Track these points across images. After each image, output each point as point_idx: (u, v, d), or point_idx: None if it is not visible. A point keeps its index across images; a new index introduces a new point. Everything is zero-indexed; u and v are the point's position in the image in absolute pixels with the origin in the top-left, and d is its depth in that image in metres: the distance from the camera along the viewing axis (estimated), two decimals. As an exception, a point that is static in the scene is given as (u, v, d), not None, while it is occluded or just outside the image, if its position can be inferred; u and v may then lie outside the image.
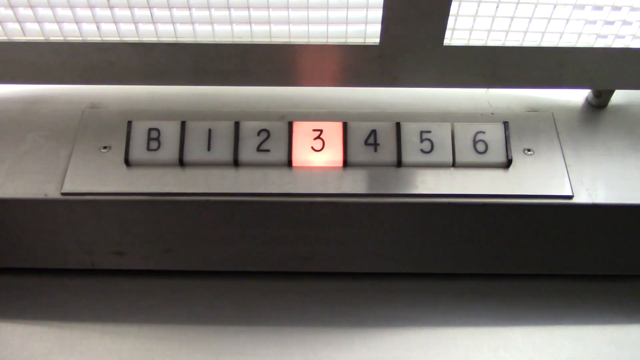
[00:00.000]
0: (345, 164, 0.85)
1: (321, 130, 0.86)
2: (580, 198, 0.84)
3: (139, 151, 0.85)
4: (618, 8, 0.76)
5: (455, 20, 0.77)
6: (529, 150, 0.87)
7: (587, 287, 0.96)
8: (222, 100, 0.91)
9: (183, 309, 0.94)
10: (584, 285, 0.96)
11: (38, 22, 0.78)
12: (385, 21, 0.76)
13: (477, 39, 0.80)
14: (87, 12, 0.77)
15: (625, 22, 0.77)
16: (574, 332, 0.92)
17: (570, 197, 0.84)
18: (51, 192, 0.85)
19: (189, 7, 0.76)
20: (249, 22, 0.78)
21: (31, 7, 0.77)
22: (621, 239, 0.90)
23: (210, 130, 0.86)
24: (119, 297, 0.96)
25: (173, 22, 0.78)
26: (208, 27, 0.79)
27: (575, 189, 0.84)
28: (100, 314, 0.94)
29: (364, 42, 0.79)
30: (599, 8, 0.76)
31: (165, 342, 0.91)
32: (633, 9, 0.76)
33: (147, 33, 0.79)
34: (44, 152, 0.88)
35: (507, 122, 0.86)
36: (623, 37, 0.79)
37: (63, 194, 0.84)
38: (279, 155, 0.85)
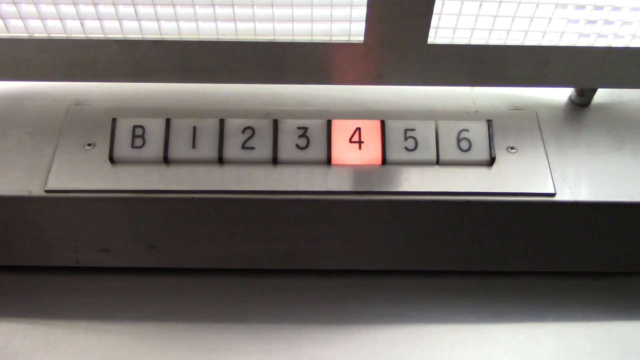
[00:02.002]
0: (329, 161, 0.85)
1: (306, 128, 0.86)
2: (563, 196, 0.84)
3: (123, 148, 0.85)
4: (600, 7, 0.77)
5: (439, 18, 0.78)
6: (512, 148, 0.87)
7: (570, 284, 0.97)
8: (207, 97, 0.92)
9: (168, 306, 0.94)
10: (566, 283, 0.97)
11: (22, 18, 0.78)
12: (369, 19, 0.76)
13: (461, 38, 0.80)
14: (71, 9, 0.77)
15: (607, 22, 0.78)
16: (557, 328, 0.92)
17: (552, 195, 0.84)
18: (35, 189, 0.84)
19: (174, 5, 0.76)
20: (234, 19, 0.78)
21: (14, 3, 0.76)
22: (603, 236, 0.91)
23: (195, 128, 0.86)
24: (103, 294, 0.95)
25: (157, 20, 0.78)
26: (193, 25, 0.79)
27: (557, 186, 0.85)
28: (85, 311, 0.94)
29: (349, 40, 0.80)
30: (581, 7, 0.77)
31: (150, 339, 0.91)
32: (615, 8, 0.77)
33: (132, 30, 0.79)
34: (28, 149, 0.87)
35: (490, 120, 0.87)
36: (605, 36, 0.80)
37: (47, 191, 0.84)
38: (263, 152, 0.85)
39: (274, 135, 0.86)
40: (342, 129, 0.86)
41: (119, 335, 0.91)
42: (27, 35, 0.79)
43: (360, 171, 0.86)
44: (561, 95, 0.94)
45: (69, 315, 0.93)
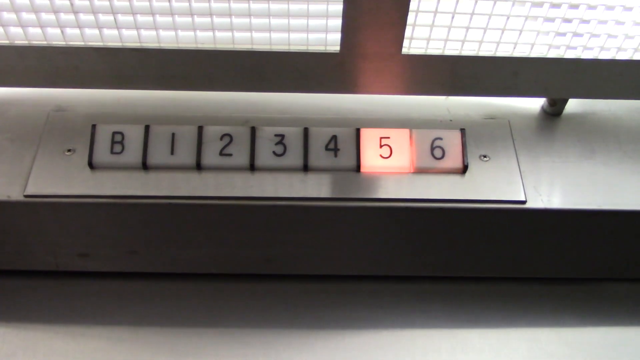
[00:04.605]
0: (306, 168, 0.87)
1: (283, 136, 0.87)
2: (533, 203, 0.86)
3: (102, 154, 0.86)
4: (569, 20, 0.79)
5: (413, 29, 0.79)
6: (485, 156, 0.89)
7: (542, 290, 0.99)
8: (186, 104, 0.93)
9: (146, 311, 0.95)
10: (538, 288, 0.99)
11: (2, 25, 0.79)
12: (345, 30, 0.78)
13: (435, 48, 0.82)
14: (51, 17, 0.78)
15: (575, 34, 0.80)
16: (529, 333, 0.94)
17: (523, 202, 0.86)
18: (14, 194, 0.85)
19: (153, 13, 0.77)
20: (212, 28, 0.79)
21: (-5, 11, 0.78)
22: (573, 243, 0.93)
23: (173, 134, 0.87)
24: (83, 298, 0.96)
25: (137, 28, 0.79)
26: (172, 33, 0.80)
27: (528, 194, 0.87)
28: (64, 316, 0.94)
29: (325, 50, 0.81)
30: (550, 20, 0.79)
31: (129, 344, 0.92)
32: (583, 21, 0.79)
33: (112, 38, 0.80)
34: (8, 154, 0.88)
35: (464, 129, 0.89)
36: (575, 48, 0.82)
37: (26, 196, 0.85)
38: (241, 159, 0.87)
39: (251, 142, 0.87)
40: (319, 137, 0.88)
41: (97, 340, 0.92)
42: (7, 42, 0.80)
43: (336, 178, 0.87)
44: (534, 104, 0.96)
45: (48, 320, 0.94)
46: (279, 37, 0.80)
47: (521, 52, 0.82)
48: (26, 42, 0.81)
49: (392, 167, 0.87)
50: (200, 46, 0.81)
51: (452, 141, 0.88)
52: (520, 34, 0.80)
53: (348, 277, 0.99)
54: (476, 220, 0.88)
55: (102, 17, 0.78)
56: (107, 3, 0.76)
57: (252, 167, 0.87)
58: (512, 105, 0.95)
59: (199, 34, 0.80)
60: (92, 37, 0.80)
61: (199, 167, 0.86)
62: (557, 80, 0.86)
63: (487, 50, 0.82)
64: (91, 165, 0.86)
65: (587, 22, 0.79)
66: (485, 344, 0.93)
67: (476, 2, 0.76)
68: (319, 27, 0.79)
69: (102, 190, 0.85)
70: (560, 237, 0.91)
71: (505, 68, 0.84)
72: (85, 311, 0.95)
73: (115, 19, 0.78)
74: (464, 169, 0.87)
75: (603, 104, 0.96)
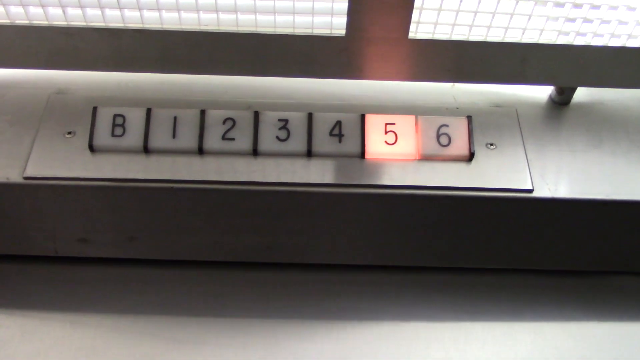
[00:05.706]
0: (310, 154, 0.86)
1: (287, 120, 0.86)
2: (540, 192, 0.85)
3: (103, 137, 0.85)
4: (579, 5, 0.78)
5: (420, 13, 0.78)
6: (491, 144, 0.88)
7: (547, 282, 0.97)
8: (188, 88, 0.91)
9: (146, 298, 0.94)
10: (543, 280, 0.97)
11: (3, 4, 0.78)
12: (351, 13, 0.76)
13: (442, 33, 0.81)
14: (53, -5, 0.77)
15: (586, 20, 0.79)
16: (534, 326, 0.93)
17: (530, 191, 0.85)
18: (14, 176, 0.84)
19: (156, -7, 0.77)
20: (216, 10, 0.78)
21: (-4, -11, 0.76)
22: (580, 234, 0.91)
23: (175, 118, 0.86)
24: (82, 285, 0.95)
25: (140, 9, 0.78)
26: (175, 14, 0.79)
27: (535, 183, 0.85)
28: (62, 302, 0.93)
29: (330, 33, 0.80)
30: (560, 5, 0.78)
31: (127, 331, 0.90)
32: (593, 6, 0.78)
33: (114, 19, 0.79)
34: (7, 136, 0.87)
35: (470, 116, 0.87)
36: (584, 34, 0.81)
37: (25, 178, 0.84)
38: (244, 143, 0.85)
39: (254, 127, 0.86)
40: (323, 122, 0.86)
41: (95, 327, 0.91)
42: (8, 21, 0.79)
43: (340, 164, 0.86)
44: (542, 93, 0.94)
45: (46, 306, 0.93)
46: (284, 20, 0.79)
47: (530, 37, 0.81)
48: (27, 21, 0.79)
49: (397, 153, 0.86)
50: (203, 28, 0.80)
51: (458, 128, 0.87)
52: (529, 18, 0.79)
53: (350, 266, 0.98)
54: (482, 208, 0.87)
55: (104, -3, 0.77)
56: (110, -18, 0.75)
57: (255, 152, 0.85)
58: (519, 93, 0.94)
59: (202, 15, 0.79)
60: (93, 17, 0.79)
61: (200, 151, 0.85)
62: (566, 67, 0.84)
63: (495, 36, 0.81)
64: (92, 148, 0.85)
65: (597, 7, 0.78)
66: (488, 335, 0.91)
67: (485, -15, 0.75)
68: (324, 10, 0.78)
69: (102, 173, 0.84)
70: (567, 227, 0.90)
71: (513, 54, 0.82)
72: (84, 297, 0.94)
73: (117, -2, 0.77)
74: (470, 157, 0.86)
75: (612, 94, 0.95)
